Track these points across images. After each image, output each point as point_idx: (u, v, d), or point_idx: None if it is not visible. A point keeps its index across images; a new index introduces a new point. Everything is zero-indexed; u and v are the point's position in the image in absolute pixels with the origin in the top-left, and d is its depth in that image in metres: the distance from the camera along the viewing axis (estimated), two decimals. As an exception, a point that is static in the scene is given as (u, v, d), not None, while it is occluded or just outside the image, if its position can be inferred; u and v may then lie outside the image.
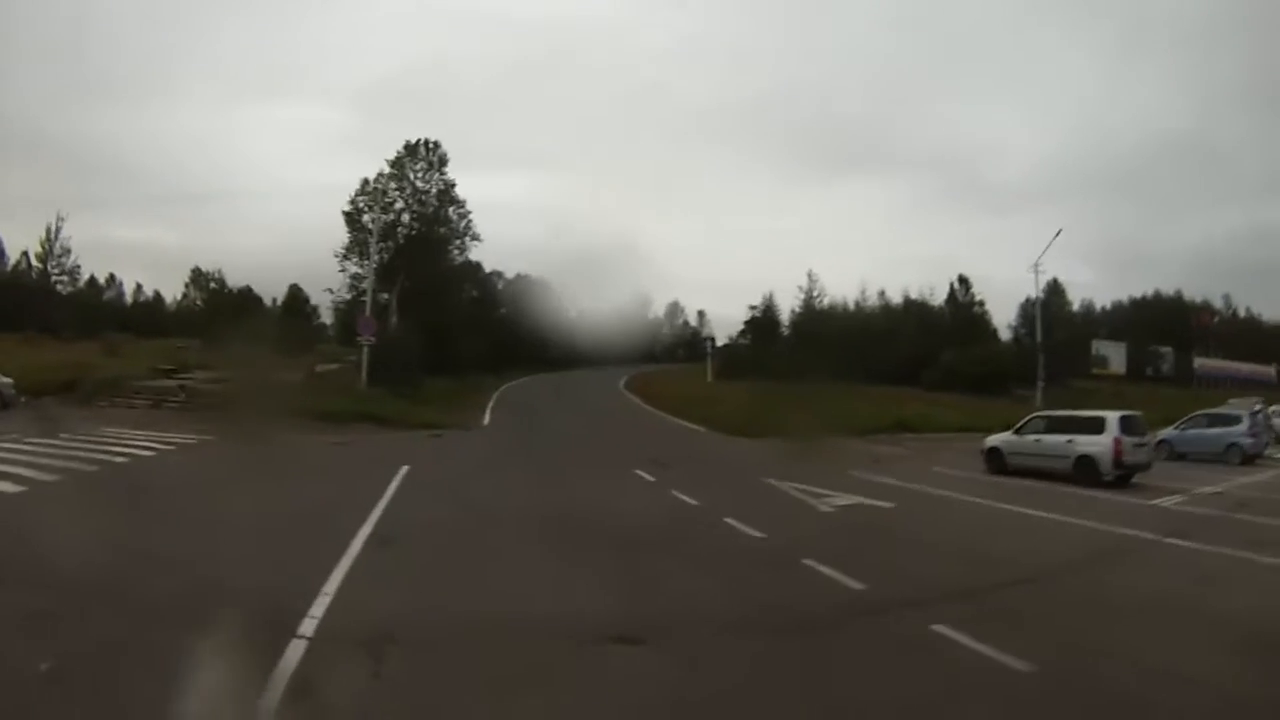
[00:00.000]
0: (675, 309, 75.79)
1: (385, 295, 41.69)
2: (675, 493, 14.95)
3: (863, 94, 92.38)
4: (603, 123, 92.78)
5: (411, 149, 45.29)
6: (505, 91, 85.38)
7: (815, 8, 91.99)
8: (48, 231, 50.96)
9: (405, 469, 16.62)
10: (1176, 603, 8.20)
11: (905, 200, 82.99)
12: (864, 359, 46.97)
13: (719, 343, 59.84)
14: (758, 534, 11.29)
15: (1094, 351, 53.65)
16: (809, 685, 5.91)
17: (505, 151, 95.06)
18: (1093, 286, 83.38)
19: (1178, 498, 15.98)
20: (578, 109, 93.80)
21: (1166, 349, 56.82)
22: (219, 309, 52.39)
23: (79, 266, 53.49)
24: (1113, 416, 18.29)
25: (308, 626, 6.47)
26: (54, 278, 51.95)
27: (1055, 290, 55.02)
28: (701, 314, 74.30)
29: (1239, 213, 77.70)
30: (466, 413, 33.16)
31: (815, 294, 58.35)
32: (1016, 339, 56.20)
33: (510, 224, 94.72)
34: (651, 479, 17.23)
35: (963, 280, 56.56)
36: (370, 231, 41.07)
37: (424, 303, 42.52)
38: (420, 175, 45.50)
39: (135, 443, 19.12)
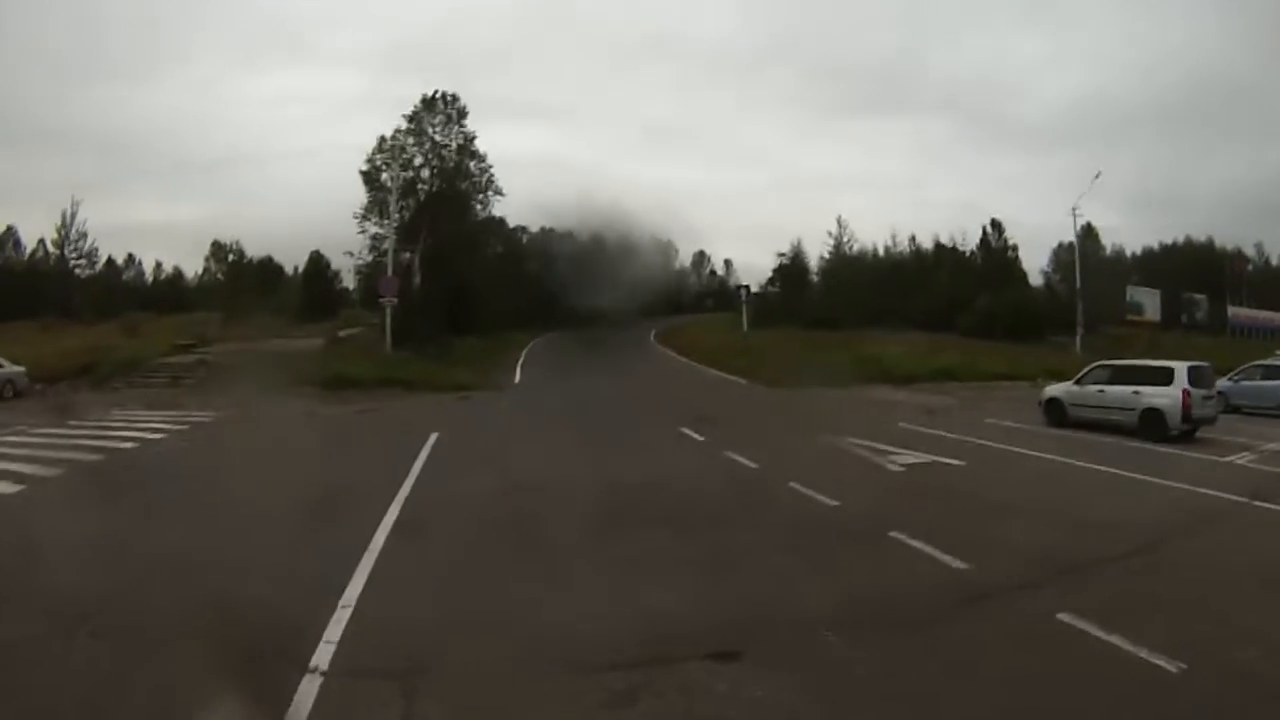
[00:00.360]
0: (701, 259, 74.20)
1: (408, 254, 40.59)
2: (729, 454, 14.10)
3: (884, 33, 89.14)
4: (615, 74, 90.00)
5: (429, 102, 43.26)
6: (514, 47, 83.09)
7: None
8: (63, 216, 50.07)
9: (434, 437, 15.89)
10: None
11: (929, 145, 79.72)
12: (898, 305, 46.04)
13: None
14: (831, 501, 10.42)
15: (1128, 298, 52.19)
16: (943, 701, 5.03)
17: (518, 108, 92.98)
18: (1119, 231, 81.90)
19: (1248, 455, 15.10)
20: (589, 62, 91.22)
21: (1201, 296, 55.22)
22: (240, 280, 51.87)
23: (96, 249, 52.62)
24: (1181, 367, 17.10)
25: (323, 655, 5.47)
26: (72, 262, 51.17)
27: (1088, 235, 53.07)
28: (728, 263, 72.61)
29: (1271, 158, 74.35)
30: (496, 372, 32.55)
31: (845, 240, 56.55)
32: (1048, 284, 54.53)
33: (529, 179, 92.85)
34: (700, 438, 16.41)
35: (995, 224, 54.80)
36: (389, 190, 39.93)
37: (448, 260, 41.17)
38: (439, 129, 43.59)
39: (146, 424, 18.27)
